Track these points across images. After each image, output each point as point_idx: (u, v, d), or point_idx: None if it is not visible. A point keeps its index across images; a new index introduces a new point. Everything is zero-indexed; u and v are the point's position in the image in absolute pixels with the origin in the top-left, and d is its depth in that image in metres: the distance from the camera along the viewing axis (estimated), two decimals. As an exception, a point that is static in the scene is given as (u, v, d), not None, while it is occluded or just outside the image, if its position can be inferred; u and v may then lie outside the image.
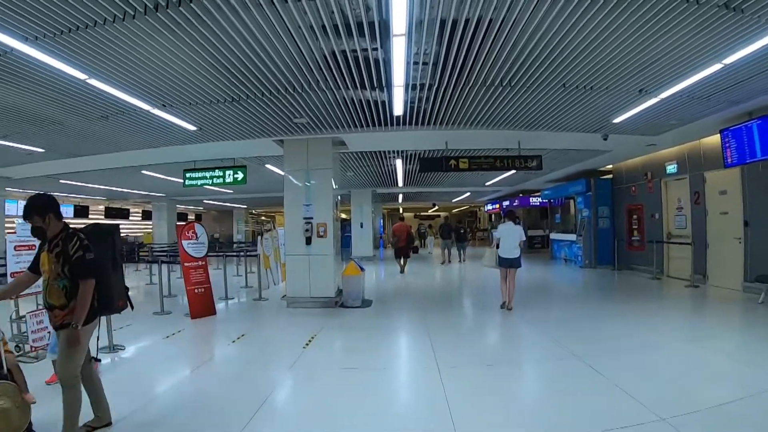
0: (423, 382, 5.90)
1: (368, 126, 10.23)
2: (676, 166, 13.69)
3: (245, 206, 42.53)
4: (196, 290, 10.13)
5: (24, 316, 6.67)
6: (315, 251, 11.05)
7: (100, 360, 4.46)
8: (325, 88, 7.74)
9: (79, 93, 7.40)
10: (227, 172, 13.32)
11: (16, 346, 6.79)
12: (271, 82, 7.31)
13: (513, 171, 13.70)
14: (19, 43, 5.43)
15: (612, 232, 17.74)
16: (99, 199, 28.22)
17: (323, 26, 5.50)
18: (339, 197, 12.69)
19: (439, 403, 5.04)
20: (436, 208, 47.58)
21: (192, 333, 8.86)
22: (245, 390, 5.62)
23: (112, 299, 4.50)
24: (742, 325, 8.48)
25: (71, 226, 4.21)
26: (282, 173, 11.86)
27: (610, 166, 17.97)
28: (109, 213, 30.21)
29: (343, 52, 6.30)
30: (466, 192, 29.12)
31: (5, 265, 7.00)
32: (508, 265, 10.13)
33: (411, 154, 14.68)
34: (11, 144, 10.72)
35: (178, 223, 11.24)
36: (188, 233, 10.39)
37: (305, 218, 11.08)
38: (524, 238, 10.41)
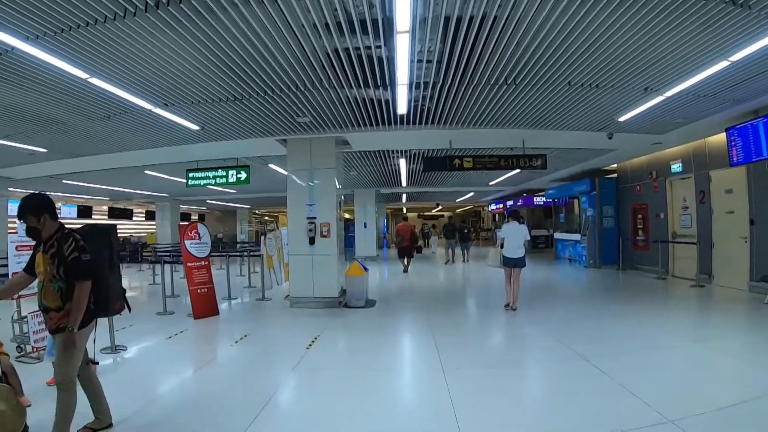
0: (427, 383, 5.85)
1: (372, 125, 10.18)
2: (681, 165, 13.61)
3: (248, 206, 42.53)
4: (198, 290, 10.08)
5: (26, 317, 6.63)
6: (318, 251, 11.00)
7: (98, 363, 4.39)
8: (328, 87, 7.69)
9: (81, 92, 7.37)
10: (230, 172, 13.27)
11: (18, 346, 6.78)
12: (273, 80, 7.26)
13: (517, 170, 13.68)
14: (20, 42, 5.40)
15: (617, 231, 17.67)
16: (102, 200, 28.26)
17: (326, 23, 5.45)
18: (342, 197, 12.65)
19: (443, 405, 4.98)
20: (440, 208, 47.59)
21: (195, 333, 8.82)
22: (248, 391, 5.58)
23: (108, 301, 4.39)
24: (749, 325, 8.40)
25: (67, 226, 4.13)
26: (285, 173, 11.83)
27: (615, 165, 17.89)
28: (113, 213, 30.29)
29: (347, 49, 6.24)
30: (469, 192, 29.06)
31: (7, 266, 6.95)
32: (512, 264, 10.09)
33: (414, 154, 14.61)
34: (13, 144, 10.71)
35: (180, 223, 11.21)
36: (191, 233, 10.35)
37: (308, 218, 11.03)
38: (528, 238, 10.35)
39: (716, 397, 4.91)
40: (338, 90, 7.86)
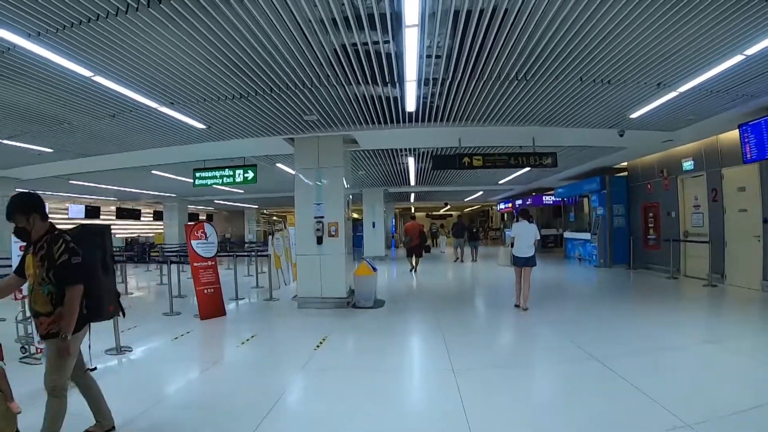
0: (438, 385, 5.75)
1: (380, 123, 10.08)
2: (692, 162, 13.43)
3: (256, 206, 42.59)
4: (205, 291, 10.02)
5: (30, 318, 6.55)
6: (326, 251, 10.92)
7: (95, 368, 4.26)
8: (335, 84, 7.59)
9: (85, 91, 7.32)
10: (237, 172, 13.22)
11: (22, 347, 6.72)
12: (279, 77, 7.16)
13: (527, 168, 13.57)
14: (21, 40, 5.34)
15: (627, 230, 17.52)
16: (110, 200, 28.30)
17: (333, 18, 5.36)
18: (350, 196, 12.57)
19: (454, 407, 4.89)
20: (448, 207, 47.51)
21: (201, 334, 8.74)
22: (255, 392, 5.50)
23: (102, 305, 4.21)
24: (763, 326, 8.21)
25: (58, 226, 3.97)
26: (293, 172, 11.76)
27: (625, 163, 17.72)
28: (121, 214, 30.35)
29: (354, 45, 6.14)
30: (478, 191, 28.94)
31: (11, 266, 6.89)
32: (522, 263, 10.03)
33: (423, 152, 14.52)
34: (19, 144, 10.68)
35: (186, 224, 11.23)
36: (197, 233, 10.28)
37: (316, 217, 10.96)
38: (538, 237, 10.28)
39: (733, 400, 4.79)
40: (346, 87, 7.76)
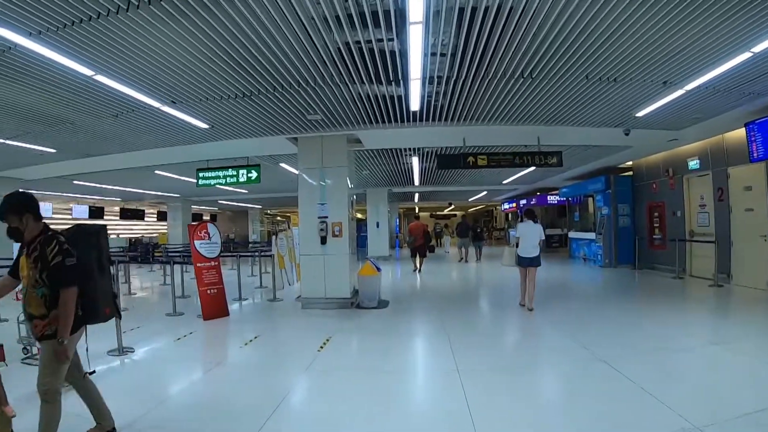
0: (443, 386, 5.68)
1: (384, 122, 10.02)
2: (698, 161, 13.35)
3: (260, 206, 42.61)
4: (208, 291, 9.98)
5: (31, 319, 6.52)
6: (330, 251, 10.88)
7: (94, 371, 4.19)
8: (339, 83, 7.54)
9: (87, 90, 7.28)
10: (241, 172, 13.21)
11: (24, 348, 6.69)
12: (283, 75, 7.11)
13: (532, 168, 13.51)
14: (22, 38, 5.31)
15: (632, 230, 17.42)
16: (114, 200, 28.33)
17: (337, 16, 5.31)
18: (354, 196, 12.53)
19: (459, 408, 4.84)
20: (452, 207, 47.48)
21: (204, 335, 8.71)
22: (258, 394, 5.46)
23: (97, 307, 4.09)
24: (770, 326, 8.18)
25: (51, 227, 3.87)
26: (296, 172, 11.73)
27: (630, 162, 17.65)
28: (125, 214, 30.40)
29: (358, 43, 6.09)
30: (482, 191, 28.85)
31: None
32: (527, 264, 9.98)
33: (427, 152, 14.49)
34: (22, 144, 10.66)
35: (190, 224, 11.25)
36: (200, 233, 10.25)
37: (320, 217, 10.91)
38: (543, 237, 10.23)
39: (741, 402, 4.73)
40: (350, 86, 7.71)
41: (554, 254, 24.51)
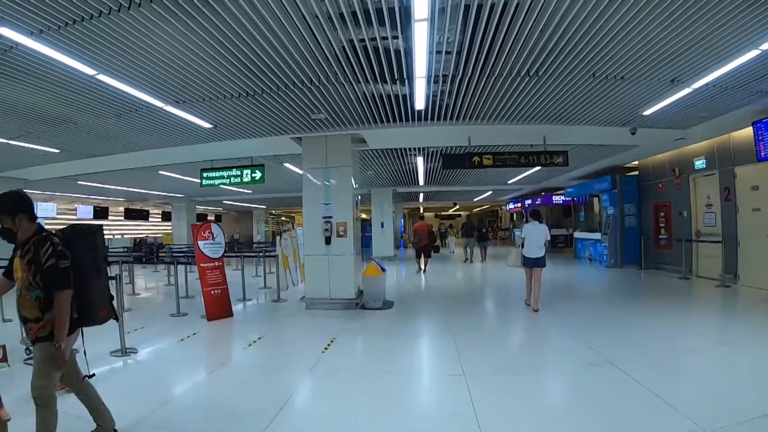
0: (448, 390, 5.62)
1: (389, 121, 9.97)
2: (704, 161, 13.26)
3: (264, 206, 42.66)
4: (212, 291, 9.94)
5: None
6: (335, 251, 10.83)
7: (93, 375, 4.13)
8: (343, 81, 7.48)
9: (90, 90, 7.24)
10: (245, 172, 13.18)
11: (26, 348, 6.65)
12: (286, 74, 7.06)
13: (538, 167, 13.45)
14: (23, 38, 5.27)
15: (638, 230, 17.34)
16: (119, 201, 28.36)
17: (341, 13, 5.25)
18: (359, 197, 12.49)
19: (466, 413, 4.78)
20: (457, 207, 47.44)
21: (207, 336, 8.67)
22: (262, 395, 5.42)
23: (93, 309, 3.99)
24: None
25: (46, 227, 3.80)
26: (301, 172, 11.69)
27: (636, 162, 17.56)
28: (129, 214, 30.44)
29: (362, 41, 6.03)
30: (487, 191, 28.82)
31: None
32: (533, 264, 9.96)
33: (432, 151, 14.44)
34: (24, 144, 10.64)
35: (193, 224, 11.26)
36: (204, 233, 10.21)
37: (324, 217, 10.87)
38: (549, 238, 10.19)
39: (751, 404, 4.67)
40: (354, 85, 7.65)
41: (559, 254, 24.40)
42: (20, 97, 7.41)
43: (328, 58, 6.52)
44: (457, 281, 16.95)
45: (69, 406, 4.15)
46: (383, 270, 11.09)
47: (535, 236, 10.00)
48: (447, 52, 6.49)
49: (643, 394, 5.06)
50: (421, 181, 21.63)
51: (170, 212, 31.42)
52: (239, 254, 17.78)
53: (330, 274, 10.81)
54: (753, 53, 6.49)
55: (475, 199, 37.06)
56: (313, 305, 10.75)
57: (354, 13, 5.26)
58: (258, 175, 13.11)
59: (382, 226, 25.19)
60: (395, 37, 5.93)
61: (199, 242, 10.11)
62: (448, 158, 12.60)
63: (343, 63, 6.71)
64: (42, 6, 4.63)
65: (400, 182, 22.50)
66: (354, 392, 5.53)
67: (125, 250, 22.53)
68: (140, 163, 13.48)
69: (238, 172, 13.21)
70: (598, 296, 12.41)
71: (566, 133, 11.16)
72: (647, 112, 9.48)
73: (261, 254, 17.21)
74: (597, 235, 19.63)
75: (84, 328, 4.04)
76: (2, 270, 4.00)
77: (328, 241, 10.81)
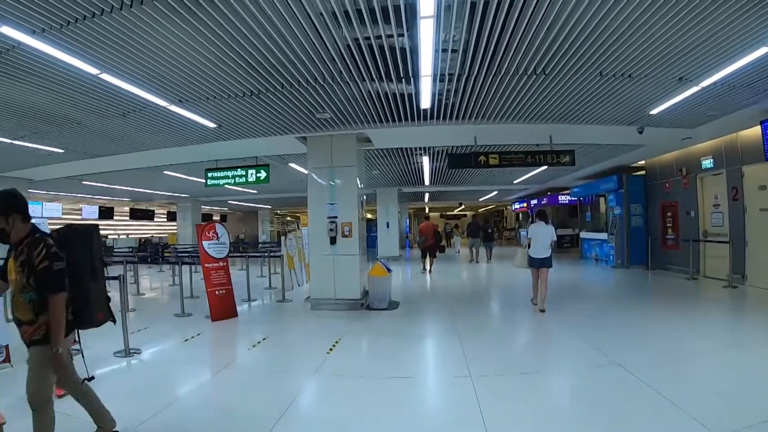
0: (455, 391, 5.57)
1: (394, 121, 9.92)
2: (712, 160, 13.18)
3: (270, 206, 42.70)
4: (216, 292, 9.91)
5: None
6: (340, 251, 10.78)
7: (93, 377, 4.07)
8: (348, 80, 7.43)
9: (93, 89, 7.22)
10: (250, 171, 13.18)
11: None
12: (291, 73, 7.02)
13: (544, 167, 13.38)
14: (26, 37, 5.24)
15: (645, 230, 17.26)
16: (124, 201, 28.41)
17: (346, 11, 5.20)
18: (364, 196, 12.44)
19: (471, 414, 4.73)
20: (462, 207, 47.39)
21: (211, 336, 8.63)
22: (266, 398, 5.37)
23: (90, 311, 3.92)
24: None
25: (40, 227, 3.70)
26: (306, 172, 11.66)
27: (643, 161, 17.48)
28: (134, 214, 30.52)
29: (368, 39, 5.97)
30: (493, 191, 28.72)
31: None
32: (539, 265, 9.91)
33: (438, 151, 14.41)
34: (29, 144, 10.64)
35: (198, 224, 11.27)
36: (209, 233, 10.18)
37: (330, 217, 10.82)
38: (555, 238, 10.16)
39: (758, 407, 4.60)
40: (359, 83, 7.60)
41: (566, 255, 24.30)
42: (23, 96, 7.39)
43: (333, 57, 6.48)
44: (462, 281, 16.88)
45: (69, 407, 4.12)
46: (389, 270, 11.03)
47: (541, 237, 9.95)
48: (453, 50, 6.43)
49: (651, 396, 5.00)
50: (427, 181, 21.59)
51: (175, 212, 31.45)
52: (244, 254, 17.77)
53: (335, 275, 10.76)
54: (761, 51, 6.42)
55: (480, 199, 36.98)
56: (318, 306, 10.70)
57: (359, 11, 5.21)
58: (263, 175, 13.10)
59: (388, 226, 25.12)
60: (401, 35, 5.88)
61: (203, 242, 10.09)
62: (453, 158, 12.52)
63: (348, 61, 6.67)
64: (44, 5, 4.60)
65: (405, 182, 22.46)
66: (359, 394, 5.49)
67: (130, 250, 22.54)
68: (145, 163, 13.49)
69: (243, 172, 13.20)
70: (604, 297, 12.35)
71: (573, 133, 11.09)
72: (654, 111, 9.40)
73: (266, 254, 17.18)
74: (603, 235, 19.57)
75: (82, 330, 4.00)
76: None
77: (333, 241, 10.76)
